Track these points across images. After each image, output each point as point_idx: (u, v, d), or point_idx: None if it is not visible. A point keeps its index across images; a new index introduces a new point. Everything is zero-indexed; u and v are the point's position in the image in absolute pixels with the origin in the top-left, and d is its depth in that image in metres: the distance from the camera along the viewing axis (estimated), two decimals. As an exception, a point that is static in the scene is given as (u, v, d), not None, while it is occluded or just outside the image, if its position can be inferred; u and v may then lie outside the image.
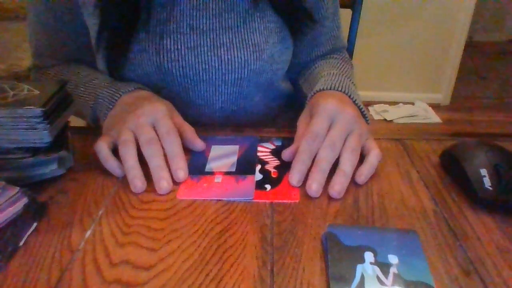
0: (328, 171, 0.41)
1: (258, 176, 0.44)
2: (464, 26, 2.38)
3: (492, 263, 0.33)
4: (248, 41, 0.55)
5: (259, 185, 0.42)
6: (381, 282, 0.30)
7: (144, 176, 0.42)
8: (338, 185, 0.40)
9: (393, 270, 0.31)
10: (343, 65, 0.63)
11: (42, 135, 0.40)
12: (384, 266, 0.32)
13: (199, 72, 0.55)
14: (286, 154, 0.46)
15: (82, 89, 0.55)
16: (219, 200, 0.40)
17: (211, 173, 0.44)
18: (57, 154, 0.42)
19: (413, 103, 2.57)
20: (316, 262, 0.33)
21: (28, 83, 0.44)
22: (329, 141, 0.42)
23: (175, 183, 0.42)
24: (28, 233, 0.36)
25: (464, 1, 2.32)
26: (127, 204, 0.40)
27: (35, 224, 0.37)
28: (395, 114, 2.43)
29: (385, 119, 2.39)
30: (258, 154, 0.48)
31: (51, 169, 0.42)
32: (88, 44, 0.57)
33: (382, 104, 2.54)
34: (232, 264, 0.32)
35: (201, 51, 0.54)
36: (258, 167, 0.46)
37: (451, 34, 2.42)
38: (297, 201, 0.40)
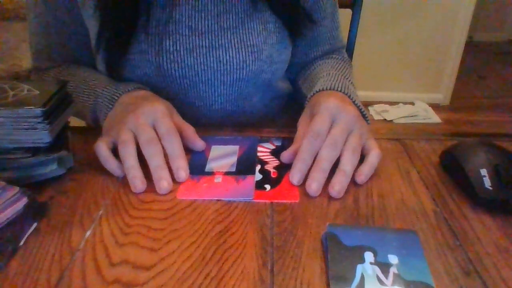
0: (329, 171, 0.42)
1: (258, 176, 0.44)
2: (464, 26, 2.38)
3: (492, 263, 0.33)
4: (247, 41, 0.55)
5: (259, 185, 0.42)
6: (381, 282, 0.30)
7: (144, 176, 0.42)
8: (338, 185, 0.40)
9: (393, 270, 0.31)
10: (342, 65, 0.63)
11: (42, 135, 0.40)
12: (384, 266, 0.32)
13: (198, 73, 0.55)
14: (285, 156, 0.46)
15: (82, 89, 0.55)
16: (219, 200, 0.40)
17: (211, 173, 0.44)
18: (57, 154, 0.42)
19: (413, 103, 2.57)
20: (316, 262, 0.33)
21: (28, 83, 0.44)
22: (331, 140, 0.42)
23: (175, 183, 0.42)
24: (28, 233, 0.36)
25: (464, 1, 2.32)
26: (127, 204, 0.40)
27: (35, 224, 0.37)
28: (395, 114, 2.43)
29: (385, 119, 2.39)
30: (258, 154, 0.48)
31: (51, 169, 0.42)
32: (88, 45, 0.57)
33: (382, 104, 2.54)
34: (232, 264, 0.32)
35: (200, 52, 0.54)
36: (258, 167, 0.46)
37: (451, 34, 2.42)
38: (297, 201, 0.40)
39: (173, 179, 0.42)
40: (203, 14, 0.54)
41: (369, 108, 2.50)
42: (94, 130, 0.53)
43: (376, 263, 0.32)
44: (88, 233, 0.36)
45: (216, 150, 0.49)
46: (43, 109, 0.39)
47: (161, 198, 0.41)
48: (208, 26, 0.54)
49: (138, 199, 0.40)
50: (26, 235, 0.35)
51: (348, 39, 0.87)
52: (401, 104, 2.55)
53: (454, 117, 2.46)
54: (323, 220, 0.37)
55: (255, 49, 0.55)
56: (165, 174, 0.42)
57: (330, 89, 0.51)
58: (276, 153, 0.49)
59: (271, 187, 0.42)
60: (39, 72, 0.63)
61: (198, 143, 0.48)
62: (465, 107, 2.58)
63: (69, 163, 0.45)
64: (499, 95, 2.76)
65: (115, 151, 0.44)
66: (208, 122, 0.61)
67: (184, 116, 0.51)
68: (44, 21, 0.58)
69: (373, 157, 0.44)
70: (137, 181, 0.41)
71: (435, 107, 2.54)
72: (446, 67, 2.52)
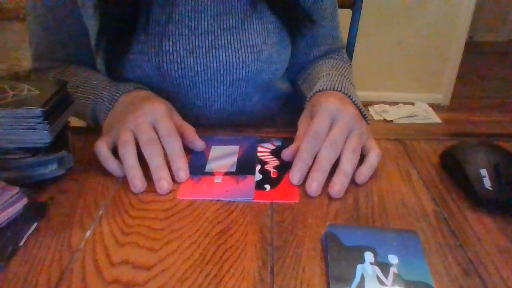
0: (329, 171, 0.42)
1: (258, 176, 0.44)
2: (464, 26, 2.38)
3: (492, 263, 0.33)
4: (246, 42, 0.55)
5: (259, 185, 0.42)
6: (381, 282, 0.30)
7: (144, 176, 0.42)
8: (338, 185, 0.40)
9: (393, 270, 0.31)
10: (342, 66, 0.63)
11: (42, 135, 0.40)
12: (384, 266, 0.32)
13: (197, 73, 0.55)
14: (286, 153, 0.46)
15: (82, 89, 0.55)
16: (219, 200, 0.40)
17: (211, 173, 0.44)
18: (57, 154, 0.42)
19: (413, 103, 2.57)
20: (316, 262, 0.33)
21: (28, 83, 0.44)
22: (331, 140, 0.42)
23: (175, 183, 0.42)
24: (28, 233, 0.36)
25: (464, 1, 2.32)
26: (127, 204, 0.40)
27: (35, 224, 0.37)
28: (395, 114, 2.43)
29: (385, 119, 2.39)
30: (258, 154, 0.48)
31: (51, 169, 0.42)
32: (88, 45, 0.57)
33: (382, 104, 2.54)
34: (232, 264, 0.32)
35: (199, 52, 0.54)
36: (258, 167, 0.46)
37: (451, 34, 2.42)
38: (297, 201, 0.40)
39: (173, 179, 0.42)
40: (202, 15, 0.54)
41: (369, 108, 2.50)
42: (94, 130, 0.53)
43: (376, 263, 0.32)
44: (88, 233, 0.36)
45: (216, 150, 0.49)
46: (43, 109, 0.39)
47: (161, 198, 0.41)
48: (207, 26, 0.54)
49: (138, 199, 0.40)
50: (26, 235, 0.35)
51: (348, 39, 0.87)
52: (401, 104, 2.55)
53: (454, 117, 2.46)
54: (323, 220, 0.37)
55: (255, 49, 0.55)
56: (165, 174, 0.42)
57: (330, 89, 0.51)
58: (276, 153, 0.49)
59: (271, 187, 0.42)
60: (39, 72, 0.63)
61: (198, 143, 0.48)
62: (465, 107, 2.58)
63: (69, 163, 0.45)
64: (499, 95, 2.76)
65: (115, 151, 0.44)
66: (208, 122, 0.61)
67: (184, 116, 0.51)
68: (44, 21, 0.58)
69: (373, 157, 0.44)
70: (137, 181, 0.41)
71: (435, 107, 2.54)
72: (446, 67, 2.52)
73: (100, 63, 0.57)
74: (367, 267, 0.31)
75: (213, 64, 0.55)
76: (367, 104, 2.52)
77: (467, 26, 2.39)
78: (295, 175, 0.42)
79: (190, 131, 0.49)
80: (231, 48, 0.55)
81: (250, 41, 0.55)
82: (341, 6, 0.76)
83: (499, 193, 0.38)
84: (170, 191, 0.41)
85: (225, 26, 0.54)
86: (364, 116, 0.50)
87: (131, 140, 0.43)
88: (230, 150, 0.49)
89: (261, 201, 0.40)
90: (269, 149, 0.50)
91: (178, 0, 0.53)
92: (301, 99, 0.60)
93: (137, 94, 0.50)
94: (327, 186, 0.41)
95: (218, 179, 0.43)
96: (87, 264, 0.32)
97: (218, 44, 0.54)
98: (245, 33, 0.55)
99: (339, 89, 0.50)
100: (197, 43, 0.54)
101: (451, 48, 2.46)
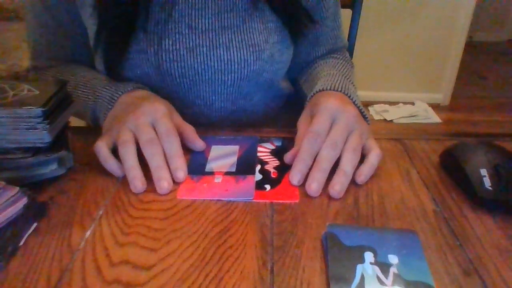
0: (329, 171, 0.41)
1: (258, 176, 0.44)
2: (464, 26, 2.38)
3: (492, 263, 0.33)
4: (248, 41, 0.55)
5: (259, 185, 0.42)
6: (381, 282, 0.30)
7: (144, 176, 0.42)
8: (338, 185, 0.40)
9: (393, 270, 0.31)
10: (343, 65, 0.63)
11: (42, 135, 0.40)
12: (384, 266, 0.32)
13: (198, 72, 0.55)
14: (288, 157, 0.46)
15: (81, 89, 0.55)
16: (219, 200, 0.40)
17: (211, 173, 0.44)
18: (57, 154, 0.42)
19: (413, 103, 2.57)
20: (316, 262, 0.33)
21: (28, 83, 0.44)
22: (331, 141, 0.42)
23: (175, 183, 0.42)
24: (28, 233, 0.36)
25: (464, 1, 2.32)
26: (127, 204, 0.40)
27: (35, 224, 0.37)
28: (395, 114, 2.43)
29: (385, 119, 2.39)
30: (258, 154, 0.48)
31: (51, 169, 0.42)
32: (86, 44, 0.57)
33: (382, 104, 2.54)
34: (232, 264, 0.32)
35: (200, 51, 0.54)
36: (258, 167, 0.46)
37: (451, 34, 2.42)
38: (297, 201, 0.40)
39: (173, 179, 0.42)
40: (203, 13, 0.54)
41: (369, 108, 2.50)
42: (94, 130, 0.53)
43: (376, 263, 0.32)
44: (88, 233, 0.36)
45: (216, 150, 0.49)
46: (43, 109, 0.39)
47: (161, 198, 0.41)
48: (208, 25, 0.54)
49: (138, 199, 0.40)
50: (26, 235, 0.35)
51: (348, 39, 0.87)
52: (401, 104, 2.55)
53: (454, 117, 2.46)
54: (323, 220, 0.37)
55: (257, 48, 0.55)
56: (165, 174, 0.42)
57: (330, 89, 0.51)
58: (276, 153, 0.49)
59: (271, 187, 0.42)
60: (37, 72, 0.63)
61: (198, 143, 0.48)
62: (465, 107, 2.58)
63: (69, 163, 0.45)
64: (499, 95, 2.76)
65: (115, 151, 0.44)
66: (208, 121, 0.61)
67: (184, 115, 0.51)
68: (43, 20, 0.58)
69: (373, 157, 0.44)
70: (137, 182, 0.41)
71: (435, 107, 2.54)
72: (446, 67, 2.53)
73: (99, 62, 0.57)
74: (367, 267, 0.31)
75: (213, 63, 0.55)
76: (367, 104, 2.53)
77: (467, 26, 2.39)
78: (295, 176, 0.42)
79: (190, 131, 0.48)
80: (232, 47, 0.55)
81: (252, 40, 0.55)
82: (341, 6, 0.76)
83: (499, 193, 0.38)
84: (170, 191, 0.41)
85: (226, 24, 0.54)
86: (364, 116, 0.50)
87: (131, 140, 0.43)
88: (230, 150, 0.49)
89: (261, 201, 0.40)
90: (269, 149, 0.50)
91: None
92: (302, 99, 0.60)
93: (137, 94, 0.50)
94: (327, 186, 0.41)
95: (218, 179, 0.43)
96: (87, 264, 0.32)
97: (218, 43, 0.54)
98: (246, 32, 0.55)
99: (339, 89, 0.50)
100: (197, 42, 0.54)
101: (451, 48, 2.46)
